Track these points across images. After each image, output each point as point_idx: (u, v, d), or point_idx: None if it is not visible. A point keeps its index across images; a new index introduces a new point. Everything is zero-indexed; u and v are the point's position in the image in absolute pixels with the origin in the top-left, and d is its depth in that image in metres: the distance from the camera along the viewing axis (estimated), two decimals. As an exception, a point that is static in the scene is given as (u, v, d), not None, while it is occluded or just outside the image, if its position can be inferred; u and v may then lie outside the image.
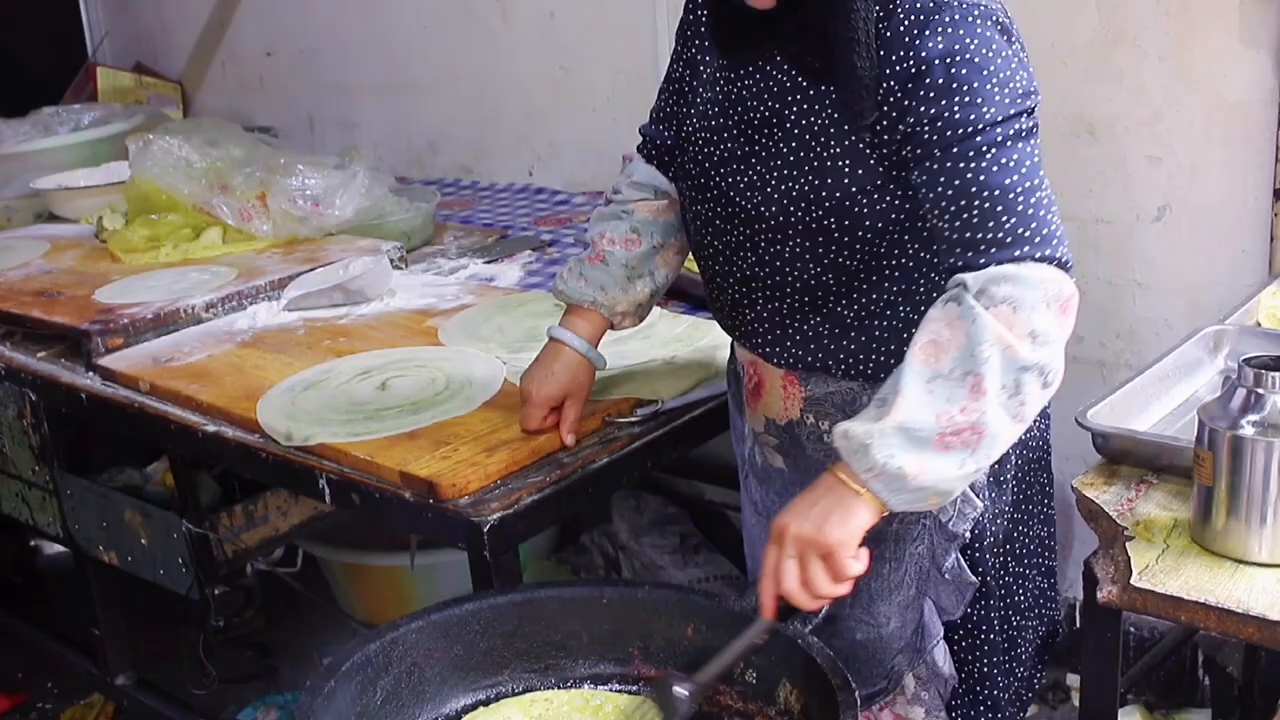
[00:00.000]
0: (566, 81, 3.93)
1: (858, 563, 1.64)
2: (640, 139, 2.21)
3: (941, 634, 2.03)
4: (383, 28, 4.38)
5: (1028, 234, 1.65)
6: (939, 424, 1.57)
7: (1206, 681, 3.12)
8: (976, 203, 1.66)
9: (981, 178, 1.66)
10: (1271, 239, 2.76)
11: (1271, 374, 1.67)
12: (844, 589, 1.65)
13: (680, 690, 1.67)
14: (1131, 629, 3.20)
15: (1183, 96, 2.82)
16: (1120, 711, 3.07)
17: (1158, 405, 2.09)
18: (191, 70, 5.10)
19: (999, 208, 1.65)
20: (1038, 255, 1.64)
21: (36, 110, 4.39)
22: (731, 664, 1.70)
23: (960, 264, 1.68)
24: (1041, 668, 2.24)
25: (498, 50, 4.08)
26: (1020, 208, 1.65)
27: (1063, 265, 1.65)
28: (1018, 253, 1.64)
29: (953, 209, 1.68)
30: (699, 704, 1.68)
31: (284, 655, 3.58)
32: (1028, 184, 1.66)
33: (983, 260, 1.65)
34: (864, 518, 1.62)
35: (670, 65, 2.12)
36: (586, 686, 1.84)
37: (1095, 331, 3.07)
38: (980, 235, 1.66)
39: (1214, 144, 2.81)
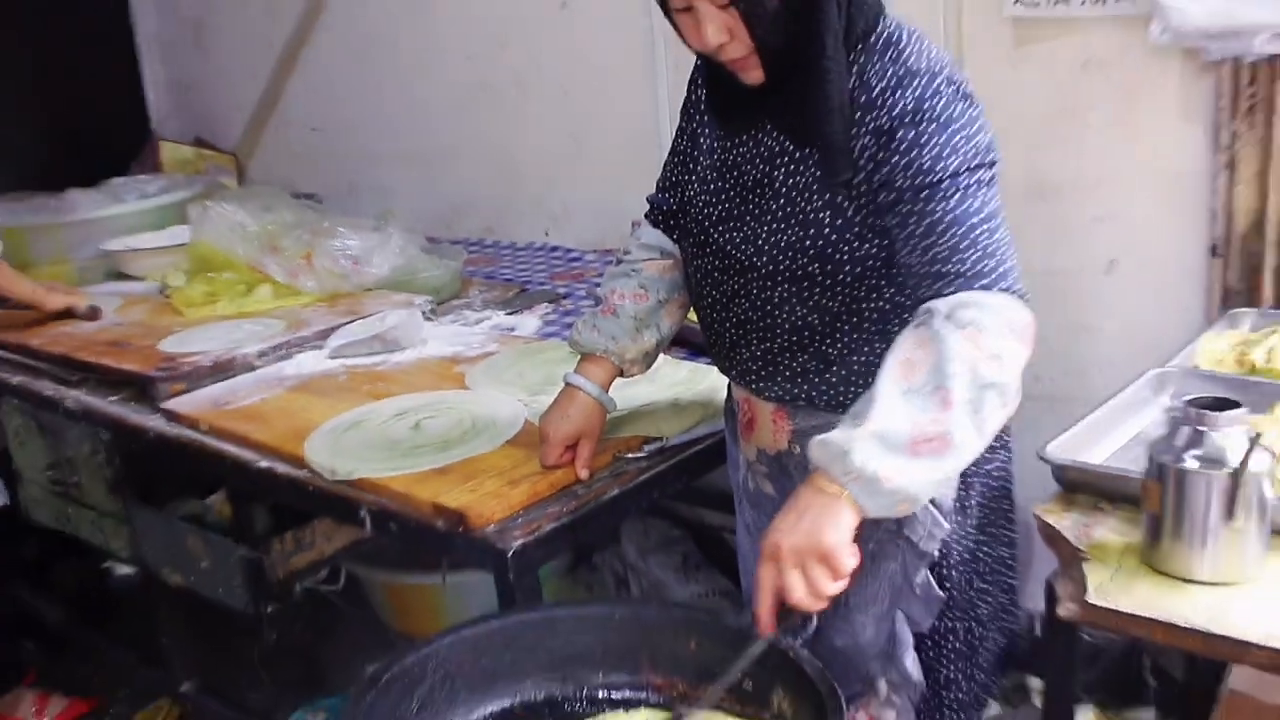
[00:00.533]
0: (578, 151, 3.93)
1: (853, 559, 1.60)
2: (648, 206, 2.22)
3: (911, 643, 2.03)
4: (413, 103, 4.38)
5: (990, 267, 1.65)
6: (912, 432, 1.55)
7: (1153, 683, 3.09)
8: (945, 239, 1.67)
9: (949, 217, 1.67)
10: (1208, 290, 2.75)
11: (1212, 414, 1.67)
12: (843, 585, 1.62)
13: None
14: (1086, 636, 3.18)
15: (1128, 165, 2.82)
16: (1076, 711, 3.08)
17: (1109, 440, 2.08)
18: (245, 143, 5.10)
19: (964, 243, 1.66)
20: (999, 286, 1.64)
21: (107, 181, 4.39)
22: (735, 680, 1.68)
23: (929, 295, 1.67)
24: (1001, 674, 2.24)
25: (516, 123, 4.08)
26: (983, 243, 1.66)
27: (1020, 296, 1.66)
28: (981, 283, 1.64)
29: (923, 245, 1.68)
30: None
31: (330, 664, 3.55)
32: (989, 224, 1.67)
33: (949, 290, 1.65)
34: (850, 518, 1.59)
35: (675, 140, 2.14)
36: (600, 694, 1.82)
37: (1050, 371, 3.04)
38: (947, 268, 1.66)
39: (1157, 206, 2.81)
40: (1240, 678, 2.40)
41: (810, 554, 1.59)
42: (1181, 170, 2.75)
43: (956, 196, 1.67)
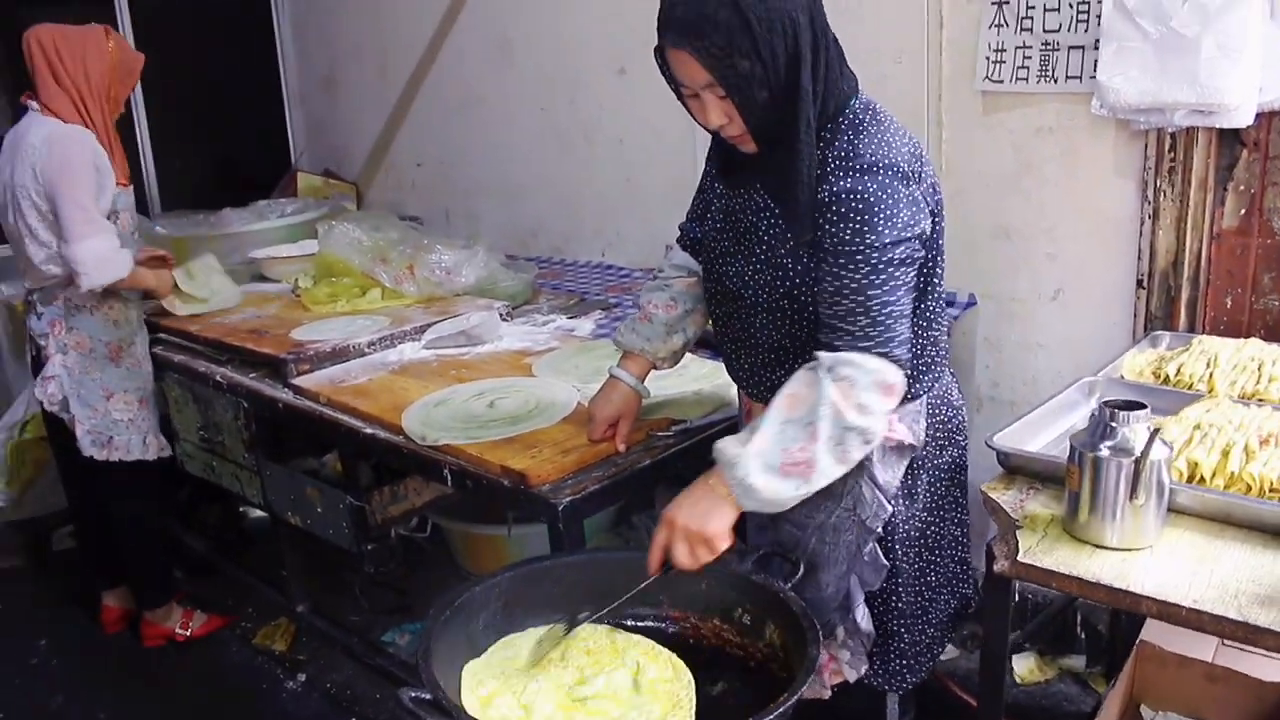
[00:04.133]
0: (631, 189, 3.95)
1: (726, 542, 1.70)
2: (679, 233, 2.24)
3: (862, 600, 2.04)
4: (498, 147, 4.41)
5: (875, 333, 1.67)
6: (783, 458, 1.64)
7: (1083, 635, 3.11)
8: (847, 301, 1.69)
9: (853, 284, 1.68)
10: (1135, 315, 2.77)
11: (1122, 412, 1.69)
12: (715, 558, 1.72)
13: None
14: (1030, 596, 3.19)
15: (1073, 212, 2.83)
16: (1018, 657, 3.09)
17: (1045, 433, 2.09)
18: (364, 175, 5.15)
19: (859, 309, 1.68)
20: (876, 350, 1.67)
21: (254, 202, 4.49)
22: (625, 603, 1.78)
23: (824, 339, 1.71)
24: (951, 630, 2.23)
25: (581, 165, 4.10)
26: (874, 313, 1.68)
27: (895, 360, 1.68)
28: (863, 345, 1.67)
29: (831, 300, 1.71)
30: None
31: (416, 596, 3.60)
32: (887, 298, 1.68)
33: (838, 342, 1.69)
34: (731, 514, 1.69)
35: (701, 181, 2.14)
36: (629, 623, 1.84)
37: (1009, 380, 3.07)
38: (843, 325, 1.69)
39: (1095, 246, 2.82)
40: (1151, 631, 2.41)
41: (696, 536, 1.69)
42: (1115, 217, 2.76)
43: (865, 269, 1.67)
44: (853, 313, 1.68)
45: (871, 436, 1.66)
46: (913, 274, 1.74)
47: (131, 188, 3.23)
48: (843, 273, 1.69)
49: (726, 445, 1.67)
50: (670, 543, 1.72)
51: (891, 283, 1.68)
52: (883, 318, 1.68)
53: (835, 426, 1.63)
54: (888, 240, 1.67)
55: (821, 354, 1.68)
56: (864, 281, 1.67)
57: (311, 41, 5.23)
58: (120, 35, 3.18)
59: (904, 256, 1.70)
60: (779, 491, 1.65)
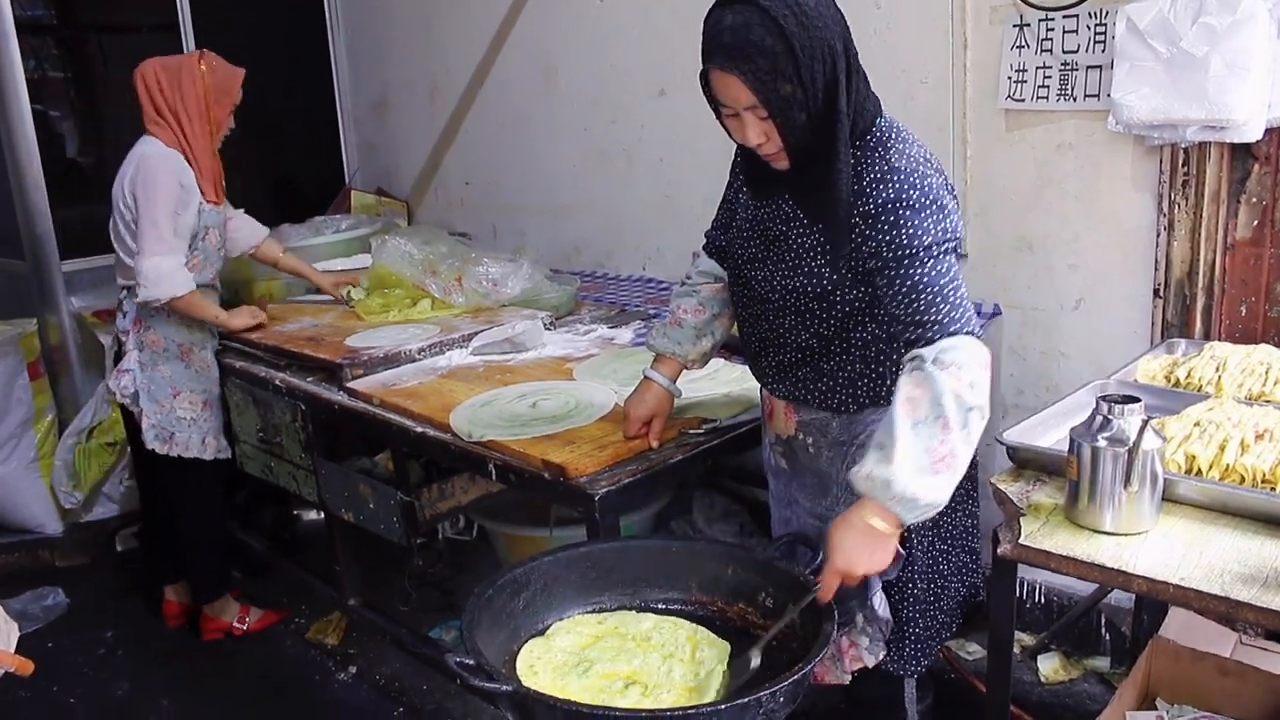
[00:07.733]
0: (670, 206, 4.01)
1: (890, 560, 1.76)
2: (705, 241, 2.34)
3: (880, 587, 2.12)
4: (545, 167, 4.47)
5: (958, 316, 1.76)
6: (930, 456, 1.67)
7: (1107, 636, 3.16)
8: (924, 296, 1.77)
9: (924, 280, 1.77)
10: (1153, 323, 2.82)
11: (1118, 405, 1.78)
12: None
13: (753, 655, 1.72)
14: (1055, 598, 3.25)
15: (1093, 224, 2.89)
16: (1043, 657, 3.15)
17: (1056, 432, 2.15)
18: (414, 193, 5.22)
19: (938, 299, 1.76)
20: (965, 331, 1.75)
21: (311, 219, 4.57)
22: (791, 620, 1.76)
23: (912, 338, 1.78)
24: (960, 615, 2.30)
25: (623, 184, 4.16)
26: (952, 298, 1.77)
27: (979, 337, 1.77)
28: (954, 329, 1.75)
29: (906, 300, 1.79)
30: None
31: (462, 595, 3.62)
32: (955, 283, 1.78)
33: (930, 334, 1.76)
34: (894, 542, 1.74)
35: (726, 192, 2.24)
36: (660, 606, 1.91)
37: (1033, 386, 3.12)
38: (928, 318, 1.77)
39: (1114, 257, 2.87)
40: (1170, 628, 2.47)
41: (874, 571, 1.75)
42: (1133, 229, 2.81)
43: (929, 264, 1.78)
44: (933, 304, 1.77)
45: (986, 411, 1.73)
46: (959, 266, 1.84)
47: (224, 205, 3.40)
48: (910, 273, 1.78)
49: (870, 471, 1.69)
50: (846, 583, 1.76)
51: (952, 269, 1.80)
52: (958, 299, 1.78)
53: (960, 411, 1.68)
54: (941, 238, 1.79)
55: (921, 350, 1.75)
56: (934, 275, 1.78)
57: (365, 67, 5.34)
58: (216, 56, 3.34)
59: (953, 246, 1.82)
60: (937, 490, 1.68)
